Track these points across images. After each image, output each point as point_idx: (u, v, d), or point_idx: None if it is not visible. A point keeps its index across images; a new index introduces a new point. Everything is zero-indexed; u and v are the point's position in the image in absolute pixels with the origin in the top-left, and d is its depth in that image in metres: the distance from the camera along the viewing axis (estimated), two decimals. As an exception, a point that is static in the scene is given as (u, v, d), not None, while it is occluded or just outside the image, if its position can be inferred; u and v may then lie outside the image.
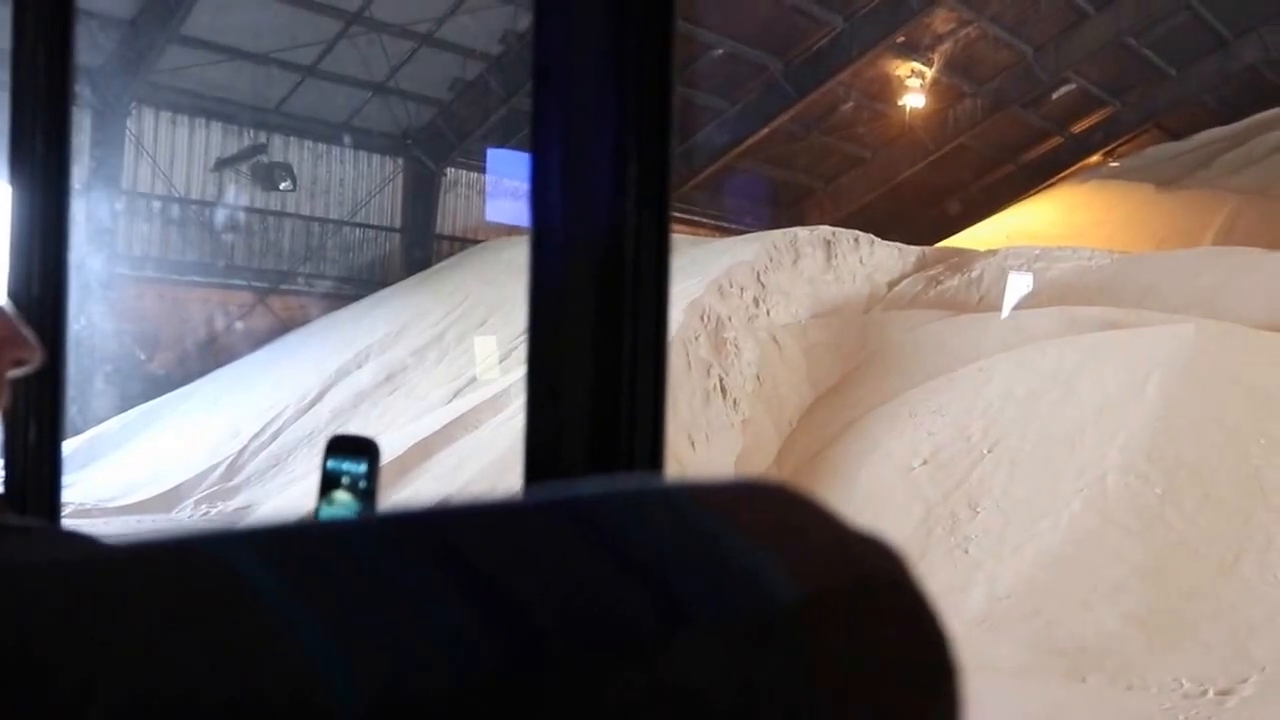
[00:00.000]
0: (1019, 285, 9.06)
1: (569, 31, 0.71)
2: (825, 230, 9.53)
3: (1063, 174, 17.93)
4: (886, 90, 15.46)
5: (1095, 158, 18.25)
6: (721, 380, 7.34)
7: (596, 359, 0.70)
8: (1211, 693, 4.26)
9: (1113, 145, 18.24)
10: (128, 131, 10.94)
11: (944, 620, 0.30)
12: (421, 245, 13.37)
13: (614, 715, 0.27)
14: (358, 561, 0.29)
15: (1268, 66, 16.77)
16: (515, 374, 7.91)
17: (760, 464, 7.09)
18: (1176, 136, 17.45)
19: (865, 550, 0.32)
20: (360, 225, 13.19)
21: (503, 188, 12.81)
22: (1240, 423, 5.59)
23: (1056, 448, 5.87)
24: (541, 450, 0.72)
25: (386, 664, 0.25)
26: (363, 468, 1.01)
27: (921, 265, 10.10)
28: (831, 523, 0.33)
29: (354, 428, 8.56)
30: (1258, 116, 16.38)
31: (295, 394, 9.19)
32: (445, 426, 7.41)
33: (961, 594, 5.15)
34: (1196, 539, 5.00)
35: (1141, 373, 6.02)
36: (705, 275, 8.17)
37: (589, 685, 0.27)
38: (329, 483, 0.99)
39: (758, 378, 7.60)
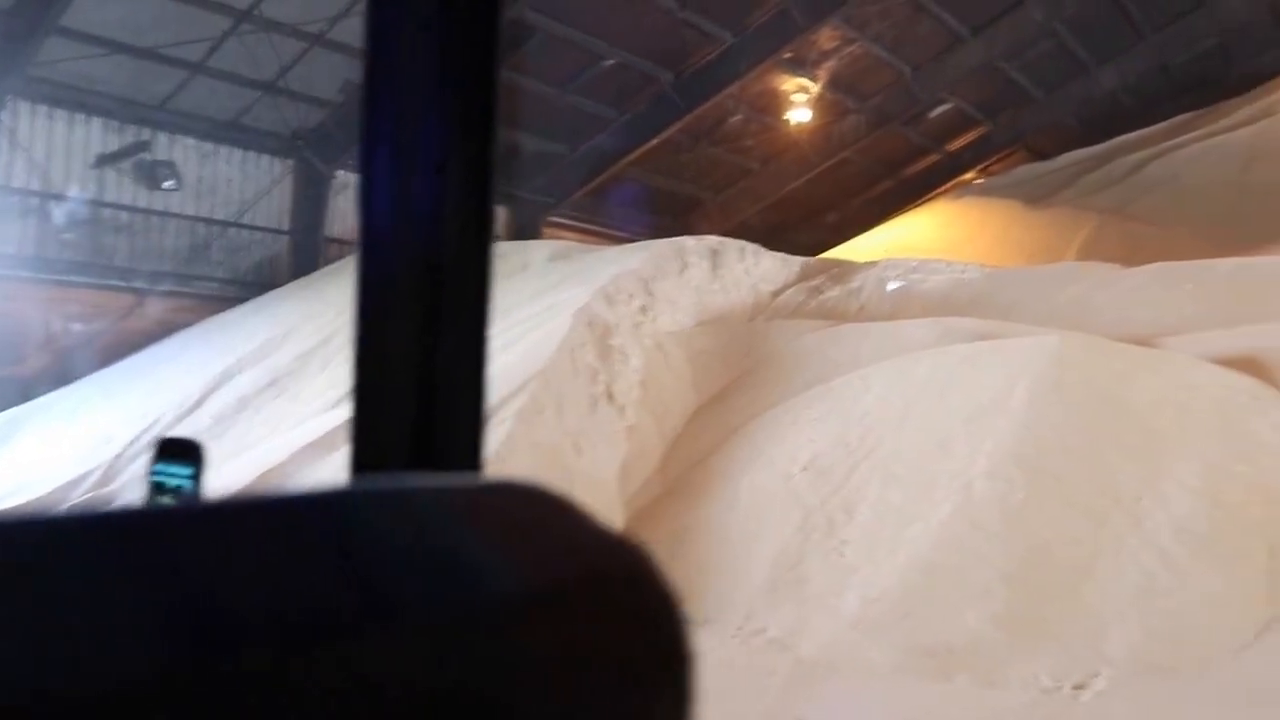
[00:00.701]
0: (897, 296, 9.32)
1: (397, 39, 0.72)
2: (712, 240, 9.66)
3: (939, 190, 18.52)
4: (774, 105, 15.76)
5: (969, 175, 18.91)
6: (608, 387, 7.40)
7: (417, 359, 0.71)
8: (1068, 688, 4.45)
9: (985, 163, 18.92)
10: (1, 125, 10.56)
11: (682, 619, 0.33)
12: (310, 248, 13.17)
13: (304, 704, 0.27)
14: (52, 559, 0.28)
15: (1125, 93, 17.65)
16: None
17: (645, 470, 7.16)
18: (1044, 156, 18.19)
19: (604, 549, 0.34)
20: (247, 227, 12.92)
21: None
22: (1098, 430, 5.84)
23: (929, 454, 6.02)
24: (365, 447, 0.72)
25: (59, 660, 0.25)
26: (189, 470, 0.99)
27: (805, 275, 10.30)
28: (575, 522, 0.35)
29: (236, 433, 8.40)
30: (1117, 140, 17.26)
31: (175, 398, 8.97)
32: (329, 432, 7.32)
33: (837, 597, 5.28)
34: (1057, 542, 5.21)
35: (1009, 382, 6.23)
36: (593, 283, 8.23)
37: (276, 676, 0.27)
38: (156, 486, 0.98)
39: (643, 385, 7.67)
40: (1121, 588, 4.94)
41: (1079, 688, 4.45)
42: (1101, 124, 17.82)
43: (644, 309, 8.31)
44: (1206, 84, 17.61)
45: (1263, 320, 7.24)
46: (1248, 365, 6.61)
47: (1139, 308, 8.21)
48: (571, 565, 0.34)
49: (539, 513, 0.35)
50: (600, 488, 6.76)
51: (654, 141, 14.60)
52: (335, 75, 12.19)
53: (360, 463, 0.72)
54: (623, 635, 0.34)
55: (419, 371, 0.71)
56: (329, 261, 12.60)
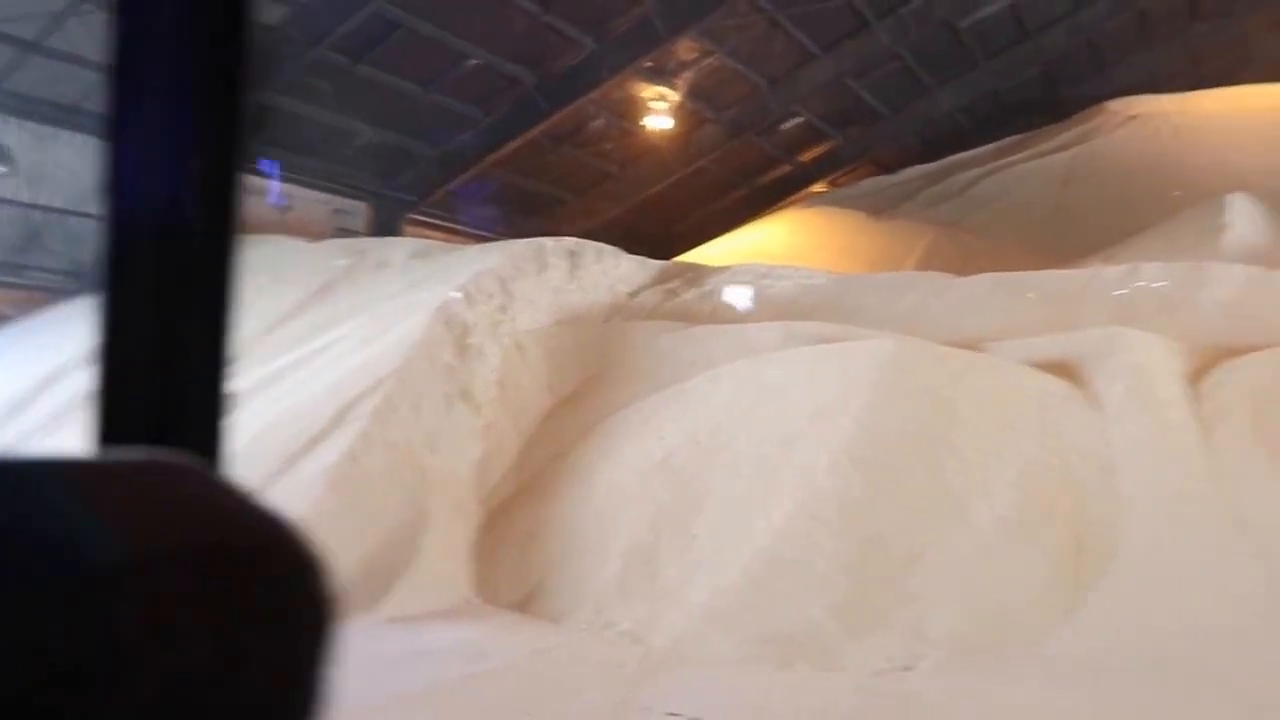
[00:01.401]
0: (748, 300, 9.61)
1: (142, 13, 0.71)
2: (571, 241, 9.74)
3: (791, 199, 19.04)
4: (634, 111, 15.98)
5: (819, 185, 19.51)
6: (465, 386, 7.43)
7: (157, 333, 0.72)
8: (896, 670, 4.76)
9: (834, 175, 19.57)
10: None
11: (317, 591, 0.36)
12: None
13: None
14: None
15: (961, 114, 18.61)
16: (252, 376, 7.74)
17: (501, 468, 7.23)
18: (888, 170, 18.96)
19: (237, 521, 0.35)
20: (87, 215, 12.41)
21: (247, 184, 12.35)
22: (929, 429, 6.19)
23: (775, 452, 6.25)
24: (108, 420, 0.72)
25: None
26: None
27: (661, 278, 10.48)
28: (216, 496, 0.35)
29: (68, 435, 8.12)
30: (955, 157, 18.19)
31: (2, 397, 8.62)
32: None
33: (687, 590, 5.47)
34: (890, 534, 5.53)
35: (849, 383, 6.54)
36: (452, 282, 8.24)
37: None
38: None
39: (501, 384, 7.73)
40: (947, 575, 5.29)
41: (907, 669, 4.75)
42: (940, 142, 18.77)
43: (502, 308, 8.37)
44: (1032, 109, 18.77)
45: (1076, 327, 7.77)
46: (1062, 369, 7.11)
47: (969, 315, 8.67)
48: (194, 536, 0.33)
49: (180, 487, 0.35)
50: (455, 486, 6.82)
51: (516, 142, 14.65)
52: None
53: (104, 435, 0.71)
54: (241, 605, 0.33)
55: (158, 344, 0.71)
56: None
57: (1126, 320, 7.85)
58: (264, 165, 12.07)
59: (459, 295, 7.99)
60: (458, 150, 14.66)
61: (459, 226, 15.75)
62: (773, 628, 5.08)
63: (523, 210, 16.58)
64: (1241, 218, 12.01)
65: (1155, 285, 8.57)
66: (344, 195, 14.03)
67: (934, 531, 5.54)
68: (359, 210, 14.16)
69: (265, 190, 12.42)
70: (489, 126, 14.53)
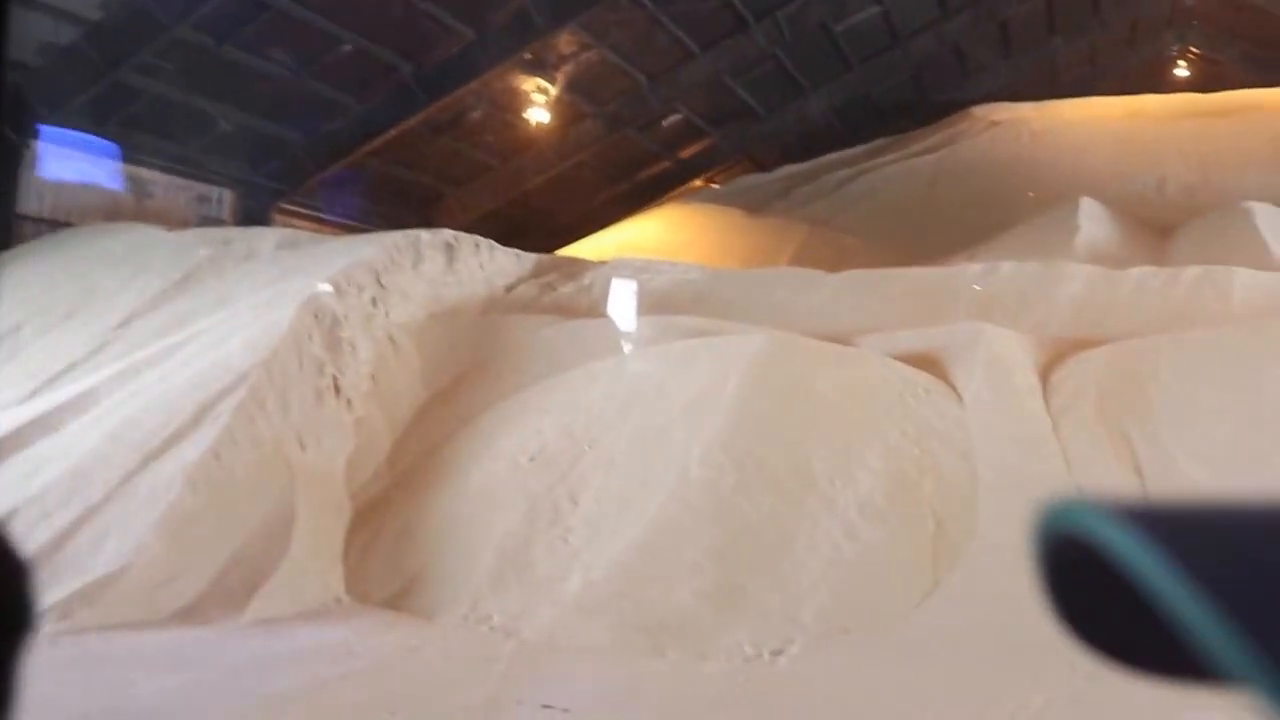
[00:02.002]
0: (624, 294, 9.64)
1: None
2: (447, 233, 9.64)
3: (669, 195, 19.18)
4: (514, 103, 15.87)
5: (697, 182, 19.71)
6: (335, 380, 7.29)
7: None
8: (767, 654, 4.85)
9: (712, 172, 19.78)
10: None
11: (23, 594, 0.36)
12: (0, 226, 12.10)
13: None
14: None
15: (834, 115, 19.01)
16: (108, 370, 7.48)
17: (373, 464, 7.13)
18: (763, 168, 19.26)
19: None
20: None
21: (97, 167, 11.79)
22: (798, 420, 6.33)
23: (649, 444, 6.32)
24: None
25: None
26: None
27: (538, 271, 10.46)
28: None
29: None
30: (828, 157, 18.63)
31: None
32: (20, 428, 6.81)
33: (561, 582, 5.49)
34: (760, 522, 5.64)
35: (721, 376, 6.63)
36: (323, 273, 8.09)
37: None
38: None
39: (373, 377, 7.61)
40: (814, 560, 5.42)
41: (777, 653, 4.84)
42: (814, 142, 19.13)
43: (375, 301, 8.24)
44: (902, 112, 19.31)
45: (939, 322, 8.02)
46: (925, 362, 7.34)
47: (838, 310, 8.88)
48: None
49: None
50: (326, 482, 6.70)
51: (393, 132, 14.37)
52: (32, 35, 11.28)
53: None
54: None
55: None
56: (22, 241, 11.62)
57: (986, 316, 8.13)
58: (110, 148, 11.59)
59: (329, 287, 7.84)
60: (330, 138, 14.33)
61: (331, 217, 15.41)
62: (645, 616, 5.12)
63: (399, 201, 16.33)
64: (1090, 220, 12.58)
65: (1013, 283, 8.90)
66: (208, 182, 13.58)
67: (802, 518, 5.67)
68: (225, 198, 13.73)
69: (117, 174, 11.94)
70: (363, 115, 14.24)
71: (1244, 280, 8.65)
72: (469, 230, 10.13)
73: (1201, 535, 0.31)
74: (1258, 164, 15.63)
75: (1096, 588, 0.30)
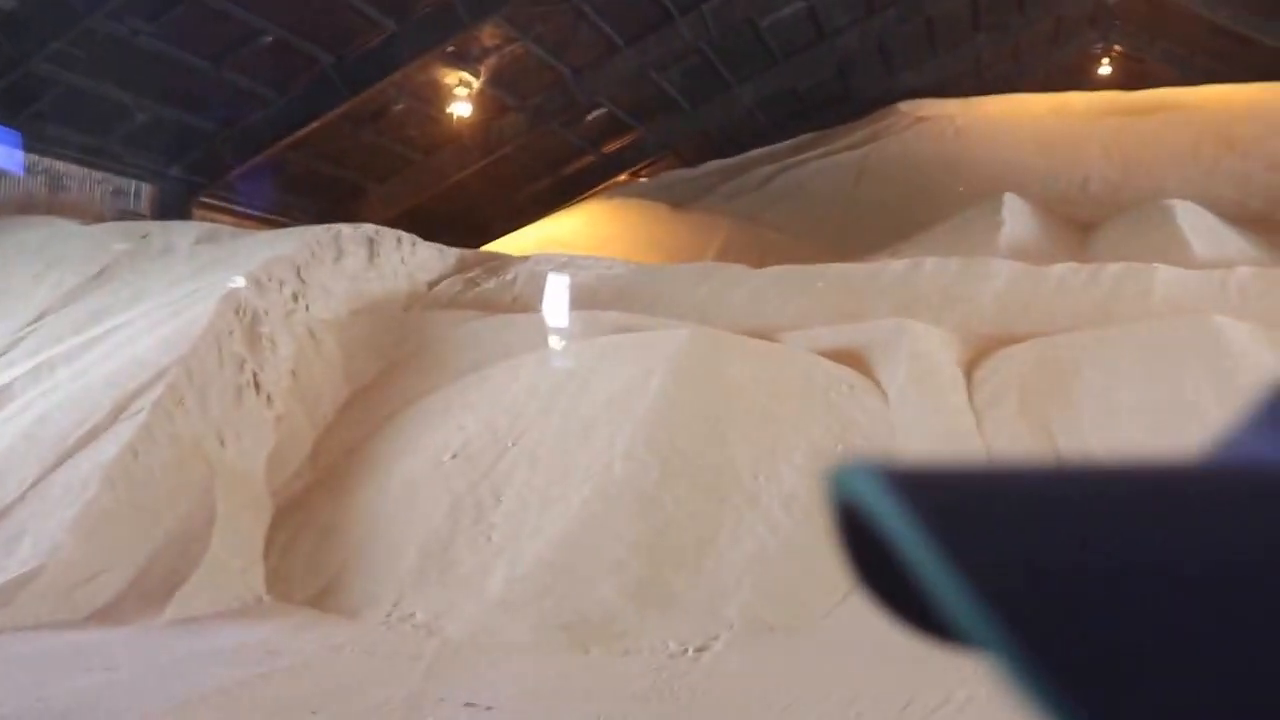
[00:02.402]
0: (548, 289, 9.62)
1: None
2: (369, 228, 9.56)
3: (594, 190, 19.16)
4: (437, 97, 15.72)
5: (622, 177, 19.71)
6: (255, 376, 7.20)
7: None
8: (691, 651, 4.87)
9: (637, 167, 19.80)
10: None
11: None
12: None
13: None
14: None
15: (760, 109, 19.14)
16: (21, 367, 7.28)
17: (295, 461, 7.04)
18: (689, 164, 19.33)
19: None
20: None
21: (8, 160, 11.42)
22: (722, 416, 6.36)
23: (572, 439, 6.31)
24: None
25: None
26: None
27: (461, 267, 10.40)
28: None
29: None
30: (754, 152, 18.76)
31: None
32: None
33: (484, 579, 5.47)
34: (684, 518, 5.66)
35: (645, 372, 6.64)
36: (243, 268, 7.97)
37: None
38: None
39: (294, 374, 7.52)
40: (738, 556, 5.45)
41: (701, 650, 4.87)
42: (740, 137, 19.25)
43: (296, 296, 8.14)
44: (828, 108, 19.49)
45: (863, 318, 8.12)
46: (849, 358, 7.42)
47: (763, 305, 8.95)
48: None
49: None
50: (246, 480, 6.60)
51: (314, 125, 14.15)
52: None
53: None
54: None
55: None
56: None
57: (910, 312, 8.25)
58: (22, 139, 11.25)
59: (249, 282, 7.72)
60: (250, 131, 14.06)
61: (251, 211, 15.14)
62: (569, 613, 5.12)
63: (320, 196, 16.09)
64: (1014, 217, 12.82)
65: (937, 279, 9.04)
66: (125, 175, 13.26)
67: (726, 514, 5.70)
68: (142, 191, 13.42)
69: (30, 167, 11.60)
70: (284, 107, 14.00)
71: (1165, 277, 8.87)
72: (391, 225, 10.04)
73: (958, 497, 0.31)
74: (1178, 162, 16.04)
75: (879, 550, 0.32)
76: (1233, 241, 12.16)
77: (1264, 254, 11.75)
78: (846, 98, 19.78)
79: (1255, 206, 14.62)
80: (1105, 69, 22.98)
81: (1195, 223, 12.26)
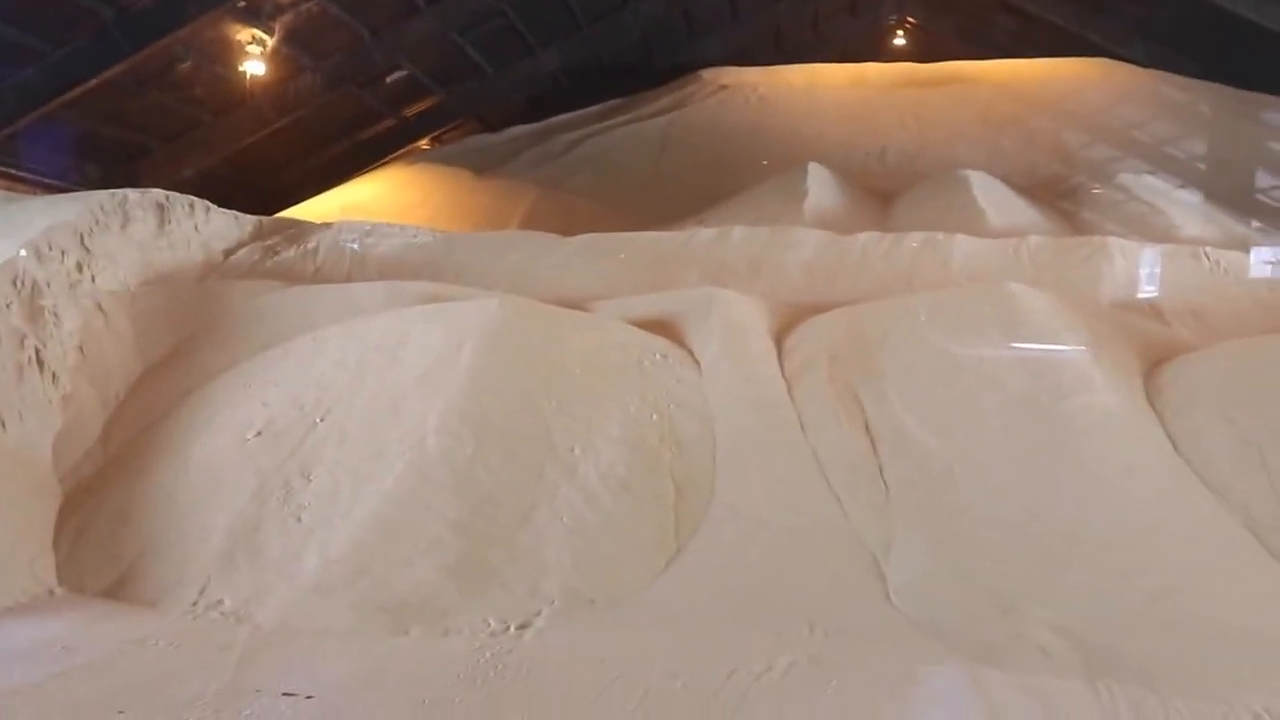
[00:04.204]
0: (351, 257, 9.36)
1: None
2: (158, 193, 9.07)
3: (394, 155, 18.76)
4: (227, 54, 15.03)
5: (424, 142, 19.35)
6: (38, 352, 6.74)
7: None
8: (512, 628, 4.82)
9: (439, 132, 19.49)
10: None
11: None
12: None
13: None
14: None
15: (565, 75, 19.10)
16: None
17: (85, 442, 6.64)
18: (492, 129, 19.15)
19: None
20: None
21: None
22: (536, 388, 6.32)
23: (383, 415, 6.14)
24: None
25: None
26: None
27: (259, 235, 10.01)
28: None
29: None
30: (557, 118, 18.71)
31: None
32: None
33: (296, 562, 5.26)
34: (501, 493, 5.59)
35: (456, 343, 6.53)
36: (20, 236, 7.43)
37: None
38: None
39: (80, 350, 7.09)
40: (557, 531, 5.44)
41: (523, 627, 4.84)
42: (544, 102, 19.15)
43: (80, 266, 7.66)
44: (632, 74, 19.59)
45: (673, 287, 8.22)
46: (661, 327, 7.51)
47: (573, 274, 8.96)
48: None
49: None
50: (31, 464, 6.19)
51: (93, 82, 13.28)
52: None
53: None
54: None
55: None
56: None
57: (720, 280, 8.40)
58: None
59: (28, 251, 7.21)
60: (23, 88, 13.07)
61: (26, 175, 14.12)
62: (386, 595, 5.01)
63: (103, 158, 15.16)
64: (818, 186, 13.21)
65: (745, 248, 9.23)
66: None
67: (543, 488, 5.68)
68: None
69: None
70: (59, 62, 13.06)
71: (962, 246, 9.31)
72: (181, 190, 9.53)
73: None
74: (968, 135, 16.84)
75: None
76: (1024, 211, 12.87)
77: (1052, 223, 12.51)
78: (651, 65, 19.92)
79: (1041, 176, 15.53)
80: (900, 40, 23.92)
81: (989, 192, 12.91)
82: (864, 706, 3.93)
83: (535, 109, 19.04)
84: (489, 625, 4.84)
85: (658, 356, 7.01)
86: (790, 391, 6.84)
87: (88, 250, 7.79)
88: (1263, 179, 15.60)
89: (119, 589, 5.38)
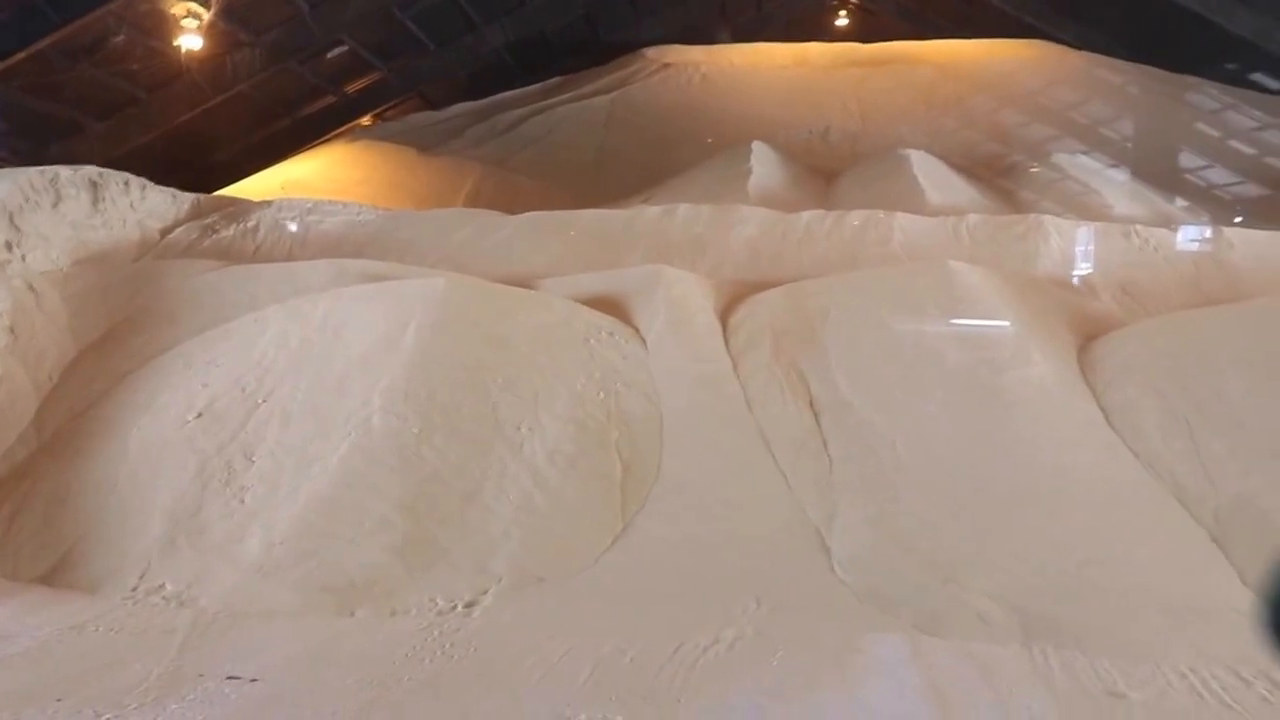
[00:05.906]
0: (292, 236, 9.25)
1: None
2: (91, 170, 8.90)
3: (335, 132, 18.52)
4: (163, 28, 14.70)
5: (366, 119, 19.12)
6: (-33, 334, 6.62)
7: None
8: (460, 606, 4.82)
9: (381, 109, 19.26)
10: None
11: None
12: None
13: None
14: None
15: (508, 51, 18.96)
16: None
17: (17, 426, 6.52)
18: (435, 106, 18.96)
19: None
20: None
21: None
22: (482, 366, 6.30)
23: (327, 395, 6.10)
24: None
25: None
26: None
27: (197, 213, 9.86)
28: None
29: None
30: (501, 96, 18.58)
31: None
32: None
33: (239, 544, 5.21)
34: (447, 471, 5.58)
35: (400, 322, 6.50)
36: (-54, 215, 7.27)
37: None
38: None
39: (12, 331, 6.96)
40: (504, 508, 5.44)
41: (470, 605, 4.83)
42: (487, 79, 19.00)
43: (10, 245, 7.51)
44: (576, 51, 19.50)
45: (618, 264, 8.21)
46: (607, 304, 7.51)
47: (518, 252, 8.92)
48: None
49: None
50: (-39, 448, 6.07)
51: (21, 55, 12.95)
52: None
53: None
54: None
55: None
56: None
57: (665, 258, 8.41)
58: None
59: (-45, 231, 7.05)
60: (-54, 61, 12.73)
61: (-52, 151, 13.77)
62: (332, 575, 4.98)
63: (32, 134, 14.80)
64: (762, 164, 13.25)
65: (689, 225, 9.24)
66: None
67: (490, 466, 5.67)
68: None
69: None
70: (-15, 36, 12.73)
71: (903, 224, 9.40)
72: (117, 167, 9.36)
73: None
74: (908, 115, 16.99)
75: None
76: (963, 189, 13.01)
77: (991, 201, 12.66)
78: (595, 42, 19.82)
79: (980, 155, 15.72)
80: (843, 20, 24.00)
81: (929, 171, 13.03)
82: (808, 677, 3.98)
83: (478, 86, 18.90)
84: (436, 604, 4.83)
85: (604, 334, 7.02)
86: (735, 368, 6.88)
87: (17, 229, 7.63)
88: (1188, 159, 15.93)
89: (56, 575, 5.30)
